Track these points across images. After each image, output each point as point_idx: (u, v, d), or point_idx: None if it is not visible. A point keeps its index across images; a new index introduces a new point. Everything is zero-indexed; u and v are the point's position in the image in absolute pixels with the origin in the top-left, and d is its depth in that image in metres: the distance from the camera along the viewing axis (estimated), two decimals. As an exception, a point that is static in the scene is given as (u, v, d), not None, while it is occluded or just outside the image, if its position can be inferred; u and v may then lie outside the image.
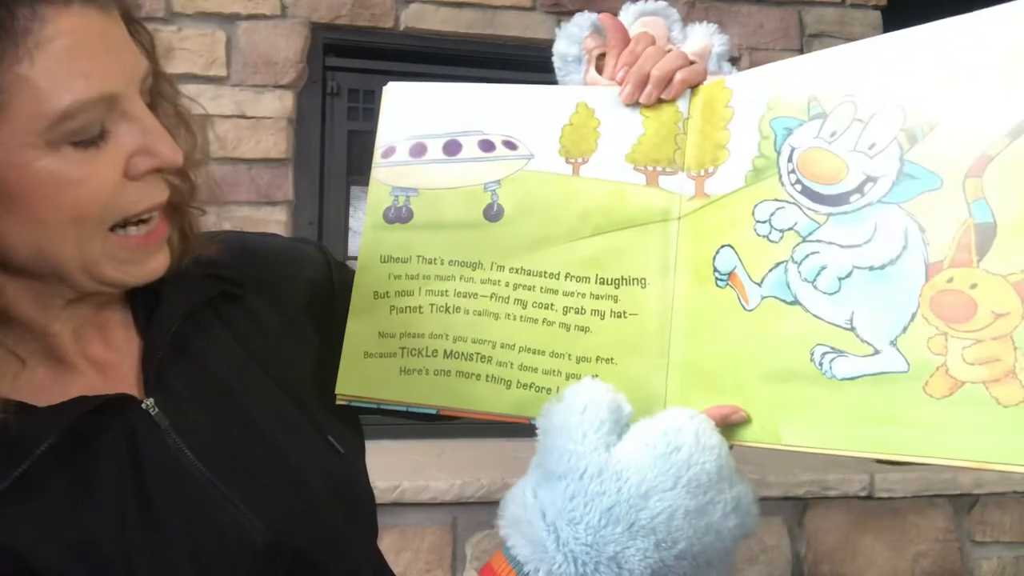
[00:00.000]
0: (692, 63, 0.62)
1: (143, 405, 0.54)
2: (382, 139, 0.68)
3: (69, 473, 0.50)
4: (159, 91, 0.56)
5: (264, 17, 1.88)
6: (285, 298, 0.68)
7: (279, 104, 1.87)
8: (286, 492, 0.57)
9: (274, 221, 1.85)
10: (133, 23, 0.53)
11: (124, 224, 0.51)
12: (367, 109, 1.97)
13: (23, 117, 0.44)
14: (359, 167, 1.98)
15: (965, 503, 1.83)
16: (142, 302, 0.59)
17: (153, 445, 0.53)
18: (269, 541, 0.54)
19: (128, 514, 0.51)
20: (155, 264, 0.54)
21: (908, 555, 1.81)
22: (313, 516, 0.58)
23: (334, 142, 1.95)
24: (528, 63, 2.00)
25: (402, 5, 1.94)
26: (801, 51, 2.13)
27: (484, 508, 1.64)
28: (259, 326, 0.64)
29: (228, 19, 1.86)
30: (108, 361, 0.57)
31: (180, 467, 0.54)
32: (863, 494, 1.78)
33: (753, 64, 2.07)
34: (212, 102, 1.83)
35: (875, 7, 2.16)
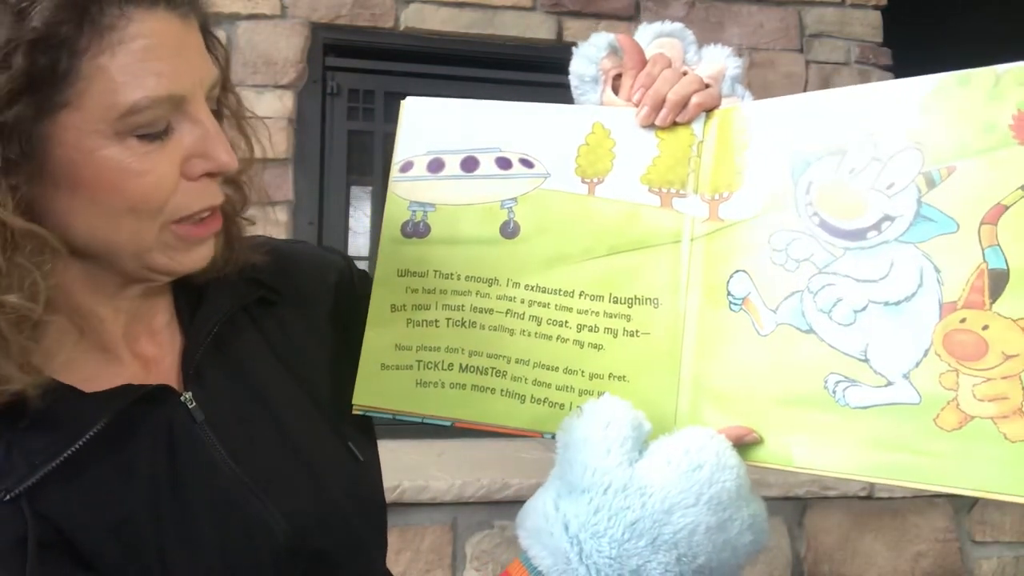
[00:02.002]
0: (707, 87, 0.63)
1: (182, 398, 0.57)
2: (400, 153, 0.68)
3: (111, 458, 0.52)
4: (225, 103, 0.59)
5: (264, 17, 1.88)
6: (313, 307, 0.70)
7: (279, 104, 1.87)
8: (309, 494, 0.59)
9: (274, 221, 1.85)
10: (211, 37, 0.56)
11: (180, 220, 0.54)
12: (367, 109, 1.97)
13: (97, 105, 0.47)
14: (359, 167, 1.99)
15: (965, 503, 1.84)
16: (186, 301, 0.62)
17: (188, 438, 0.56)
18: (291, 539, 0.56)
19: (161, 501, 0.53)
20: (200, 254, 0.56)
21: (908, 555, 1.81)
22: (334, 518, 0.60)
23: (334, 142, 1.95)
24: (528, 63, 2.01)
25: (402, 5, 1.94)
26: (801, 51, 2.13)
27: (484, 508, 1.65)
28: (288, 333, 0.66)
29: (228, 19, 1.86)
30: (151, 355, 0.59)
31: (212, 461, 0.56)
32: (863, 494, 1.78)
33: (753, 64, 2.07)
34: (212, 102, 1.83)
35: (875, 7, 2.16)
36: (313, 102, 1.92)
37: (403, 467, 1.67)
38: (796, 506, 1.78)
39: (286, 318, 0.67)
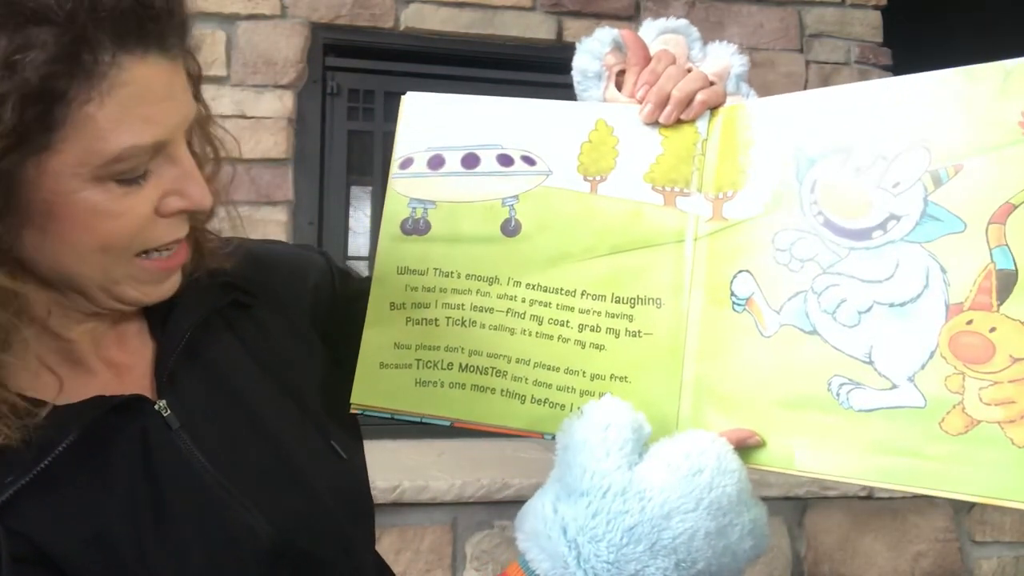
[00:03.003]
0: (712, 84, 0.62)
1: (156, 406, 0.56)
2: (400, 149, 0.67)
3: (86, 470, 0.52)
4: (196, 119, 0.57)
5: (264, 17, 1.88)
6: (291, 306, 0.69)
7: (279, 104, 1.87)
8: (292, 494, 0.59)
9: (274, 221, 1.85)
10: (189, 57, 0.55)
11: (147, 251, 0.54)
12: (367, 109, 1.97)
13: (80, 151, 0.47)
14: (359, 167, 1.98)
15: (965, 503, 1.83)
16: (156, 309, 0.61)
17: (165, 445, 0.55)
18: (276, 541, 0.56)
19: (141, 511, 0.52)
20: (169, 285, 0.57)
21: (908, 555, 1.81)
22: (318, 518, 0.60)
23: (334, 142, 1.95)
24: (528, 63, 2.00)
25: (402, 5, 1.94)
26: (801, 51, 2.13)
27: (484, 508, 1.64)
28: (266, 333, 0.66)
29: (228, 19, 1.86)
30: (123, 364, 0.58)
31: (190, 467, 0.55)
32: (863, 494, 1.78)
33: (753, 64, 2.07)
34: (212, 102, 1.80)
35: (875, 7, 2.16)
36: (313, 102, 1.92)
37: (403, 467, 1.67)
38: (796, 506, 1.78)
39: (263, 320, 0.66)
